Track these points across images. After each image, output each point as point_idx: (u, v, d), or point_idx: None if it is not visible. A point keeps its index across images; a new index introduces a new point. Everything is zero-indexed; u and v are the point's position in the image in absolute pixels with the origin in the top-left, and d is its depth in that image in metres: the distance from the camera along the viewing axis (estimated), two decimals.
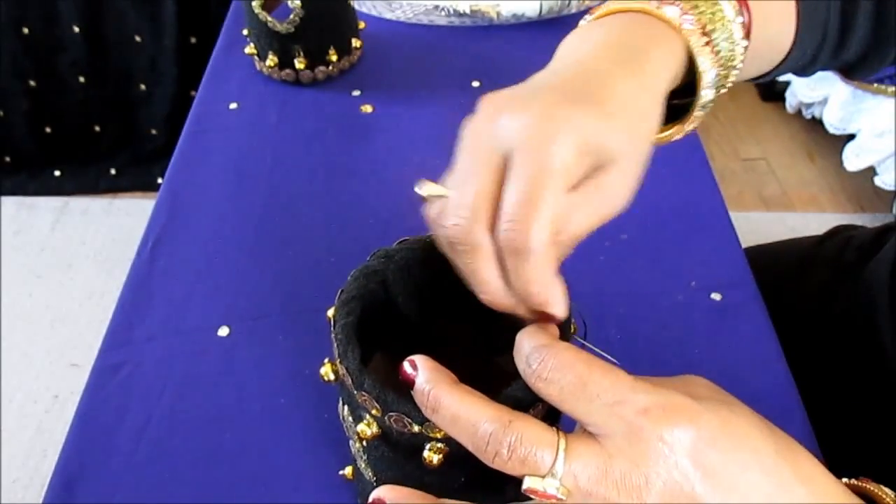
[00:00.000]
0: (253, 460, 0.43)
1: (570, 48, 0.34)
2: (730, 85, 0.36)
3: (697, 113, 0.36)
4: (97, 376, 0.47)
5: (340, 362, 0.32)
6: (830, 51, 0.43)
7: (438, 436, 0.30)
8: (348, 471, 0.41)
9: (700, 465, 0.25)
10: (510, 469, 0.27)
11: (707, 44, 0.34)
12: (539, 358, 0.28)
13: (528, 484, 0.26)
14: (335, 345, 0.32)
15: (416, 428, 0.30)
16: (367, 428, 0.32)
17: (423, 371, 0.29)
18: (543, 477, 0.26)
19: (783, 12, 0.39)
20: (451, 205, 0.30)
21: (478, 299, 0.38)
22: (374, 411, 0.31)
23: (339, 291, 0.34)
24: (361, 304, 0.33)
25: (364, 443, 0.33)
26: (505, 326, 0.38)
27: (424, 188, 0.32)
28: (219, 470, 0.43)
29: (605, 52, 0.32)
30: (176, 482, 0.42)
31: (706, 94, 0.35)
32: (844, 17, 0.41)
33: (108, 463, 0.43)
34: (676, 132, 0.38)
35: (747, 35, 0.35)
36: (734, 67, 0.35)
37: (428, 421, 0.29)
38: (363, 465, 0.36)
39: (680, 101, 0.37)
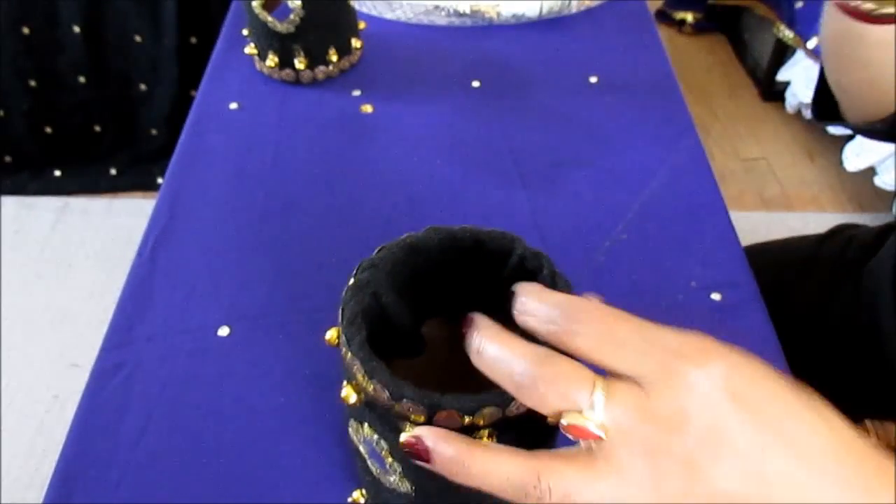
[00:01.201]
0: (253, 460, 0.43)
1: None
2: None
3: None
4: (97, 376, 0.47)
5: (369, 380, 0.31)
6: None
7: (486, 421, 0.30)
8: (357, 495, 0.40)
9: (736, 398, 0.26)
10: (548, 405, 0.27)
11: None
12: (565, 312, 0.28)
13: (567, 419, 0.26)
14: (357, 364, 0.31)
15: (466, 420, 0.30)
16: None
17: (476, 325, 0.30)
18: (582, 414, 0.26)
19: None
20: None
21: (457, 289, 0.38)
22: (416, 417, 0.30)
23: (341, 310, 0.33)
24: (364, 319, 0.33)
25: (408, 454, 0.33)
26: (487, 315, 0.38)
27: None
28: (219, 470, 0.43)
29: None
30: (176, 482, 0.42)
31: None
32: None
33: (108, 463, 0.43)
34: None
35: None
36: None
37: (478, 409, 0.29)
38: (396, 479, 0.35)
39: None
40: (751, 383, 0.26)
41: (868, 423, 0.30)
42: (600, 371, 0.28)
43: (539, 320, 0.29)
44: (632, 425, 0.26)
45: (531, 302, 0.29)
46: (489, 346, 0.29)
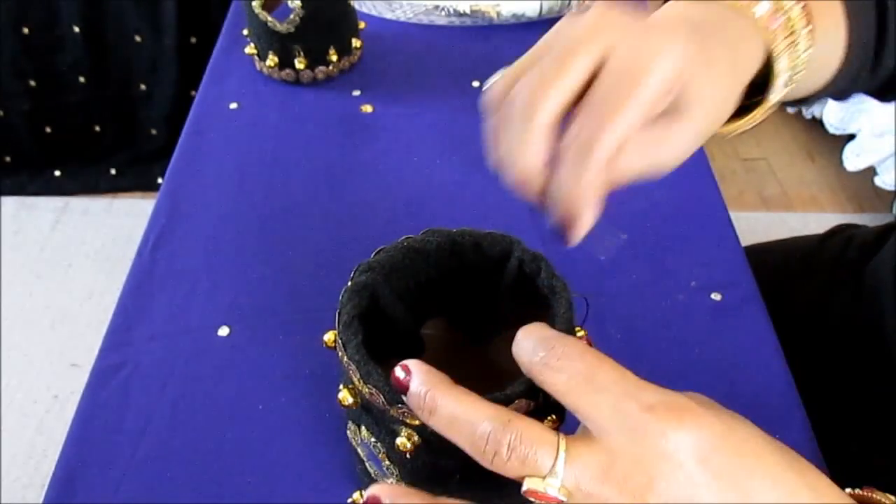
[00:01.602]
0: (253, 460, 0.43)
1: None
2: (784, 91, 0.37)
3: (758, 115, 0.36)
4: (97, 376, 0.47)
5: (364, 384, 0.31)
6: (869, 68, 0.42)
7: None
8: (356, 496, 0.40)
9: (709, 469, 0.25)
10: (509, 470, 0.26)
11: (789, 45, 0.34)
12: (549, 346, 0.28)
13: (528, 485, 0.26)
14: (352, 367, 0.31)
15: None
16: (406, 441, 0.31)
17: (417, 374, 0.28)
18: (544, 478, 0.26)
19: (837, 30, 0.39)
20: (538, 69, 0.30)
21: (456, 292, 0.38)
22: (411, 421, 0.30)
23: (337, 313, 0.33)
24: (361, 322, 0.33)
25: (407, 456, 0.33)
26: (485, 318, 0.38)
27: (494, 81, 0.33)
28: (219, 470, 0.43)
29: (705, 24, 0.32)
30: (176, 482, 0.42)
31: (775, 96, 0.35)
32: (881, 30, 0.40)
33: (108, 463, 0.43)
34: (734, 129, 0.38)
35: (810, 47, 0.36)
36: (797, 74, 0.36)
37: None
38: (394, 481, 0.35)
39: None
40: (726, 450, 0.25)
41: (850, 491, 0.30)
42: (568, 424, 0.27)
43: (525, 351, 0.28)
44: (593, 487, 0.25)
45: (522, 334, 0.29)
46: (444, 403, 0.27)
